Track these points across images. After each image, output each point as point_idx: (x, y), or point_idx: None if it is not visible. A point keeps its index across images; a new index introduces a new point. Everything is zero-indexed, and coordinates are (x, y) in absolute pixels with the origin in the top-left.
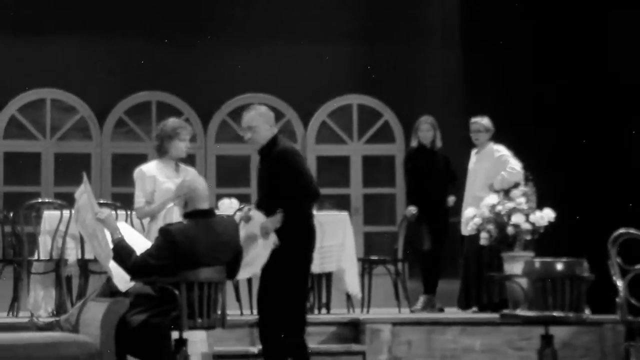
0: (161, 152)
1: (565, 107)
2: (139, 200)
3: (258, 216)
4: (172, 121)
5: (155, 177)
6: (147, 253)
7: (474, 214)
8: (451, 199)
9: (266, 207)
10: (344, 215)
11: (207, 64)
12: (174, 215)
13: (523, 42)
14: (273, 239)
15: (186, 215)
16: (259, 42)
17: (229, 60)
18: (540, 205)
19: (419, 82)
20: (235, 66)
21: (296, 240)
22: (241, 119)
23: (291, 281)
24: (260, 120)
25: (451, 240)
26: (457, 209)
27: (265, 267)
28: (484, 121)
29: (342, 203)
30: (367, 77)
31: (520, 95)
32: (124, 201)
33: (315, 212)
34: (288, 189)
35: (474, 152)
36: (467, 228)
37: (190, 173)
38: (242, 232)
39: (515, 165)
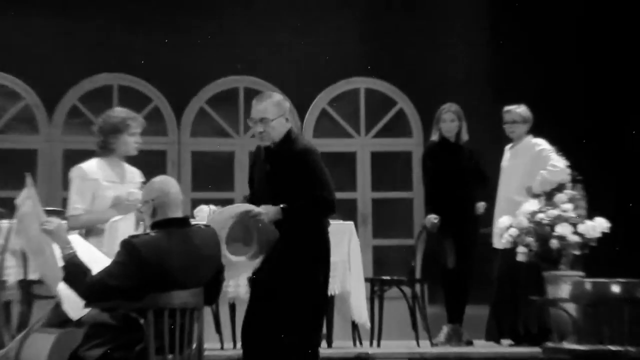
0: (106, 149)
1: (618, 97)
2: (76, 206)
3: (228, 210)
4: (118, 111)
5: (99, 181)
6: (106, 272)
7: (509, 223)
8: (481, 205)
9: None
10: (348, 225)
11: (180, 41)
12: (120, 231)
13: (562, 16)
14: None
15: (155, 225)
16: (244, 15)
17: (208, 37)
18: (590, 214)
19: (441, 63)
20: (216, 43)
21: (312, 256)
22: (253, 106)
23: (306, 307)
24: (276, 111)
25: (481, 256)
26: (489, 217)
27: (265, 288)
28: (520, 109)
29: (346, 210)
30: (378, 56)
31: (561, 78)
32: None
33: None
34: (307, 197)
35: (508, 147)
36: (500, 241)
37: (136, 176)
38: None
39: (558, 163)
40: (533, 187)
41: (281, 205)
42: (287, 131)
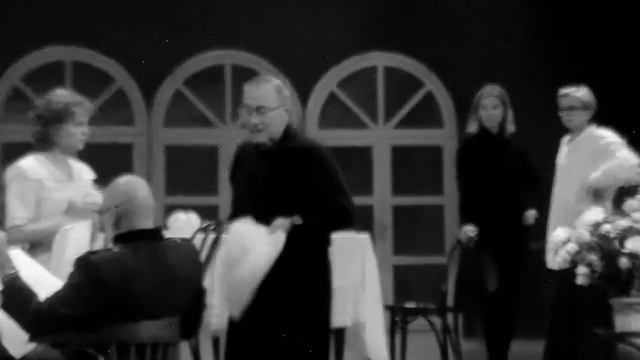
0: (45, 142)
1: None
2: (17, 214)
3: (241, 227)
4: (60, 95)
5: (42, 180)
6: (56, 297)
7: (565, 237)
8: (531, 214)
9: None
10: (363, 238)
11: (152, 7)
12: (71, 243)
13: None
14: (279, 244)
15: (119, 238)
16: None
17: (186, 2)
18: None
19: (480, 35)
20: (196, 10)
21: (312, 282)
22: (247, 92)
23: (312, 340)
24: (276, 99)
25: (531, 278)
26: (541, 228)
27: (259, 316)
28: (579, 93)
29: (360, 219)
30: (400, 26)
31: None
32: None
33: None
34: (322, 207)
35: (565, 140)
36: (555, 259)
37: (83, 173)
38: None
39: (628, 157)
40: (590, 180)
41: (294, 220)
42: (286, 126)
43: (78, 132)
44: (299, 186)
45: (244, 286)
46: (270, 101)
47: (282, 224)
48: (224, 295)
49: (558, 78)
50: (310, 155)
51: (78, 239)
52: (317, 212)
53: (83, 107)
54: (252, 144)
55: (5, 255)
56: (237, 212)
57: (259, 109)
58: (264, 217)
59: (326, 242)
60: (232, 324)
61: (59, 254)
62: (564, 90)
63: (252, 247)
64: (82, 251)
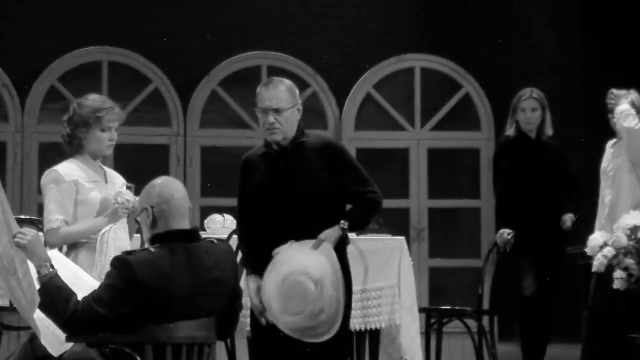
0: (73, 145)
1: None
2: (53, 217)
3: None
4: (91, 99)
5: (78, 181)
6: (94, 297)
7: (603, 241)
8: (568, 218)
9: (309, 225)
10: (398, 241)
11: (188, 10)
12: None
13: None
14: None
15: (155, 238)
16: None
17: (222, 4)
18: None
19: (519, 36)
20: (232, 11)
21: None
22: (263, 94)
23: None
24: (290, 99)
25: (569, 282)
26: (580, 233)
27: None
28: (631, 96)
29: (396, 222)
30: (438, 27)
31: None
32: None
33: (354, 235)
34: (359, 200)
35: (610, 144)
36: (594, 263)
37: (116, 179)
38: None
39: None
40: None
41: (341, 224)
42: (298, 125)
43: (105, 138)
44: (320, 179)
45: (336, 302)
46: (285, 102)
47: (329, 235)
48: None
49: (601, 82)
50: (330, 150)
51: (116, 240)
52: (356, 209)
53: (112, 112)
54: (257, 155)
55: (44, 254)
56: (253, 225)
57: (276, 110)
58: (289, 220)
59: (345, 242)
60: (256, 326)
61: (100, 256)
62: (613, 92)
63: (315, 274)
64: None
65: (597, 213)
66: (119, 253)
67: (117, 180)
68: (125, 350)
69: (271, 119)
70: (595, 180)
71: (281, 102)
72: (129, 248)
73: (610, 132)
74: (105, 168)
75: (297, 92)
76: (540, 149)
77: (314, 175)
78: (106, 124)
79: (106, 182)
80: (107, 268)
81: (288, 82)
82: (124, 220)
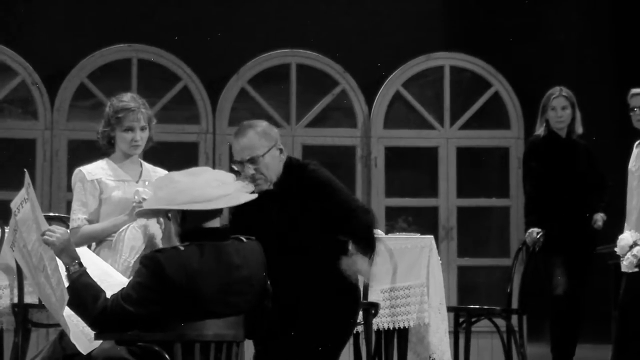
0: (104, 143)
1: None
2: (76, 217)
3: None
4: (118, 99)
5: (102, 180)
6: (123, 295)
7: (632, 240)
8: (599, 217)
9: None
10: (427, 239)
11: (218, 8)
12: (157, 238)
13: None
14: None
15: (185, 236)
16: None
17: (252, 2)
18: None
19: (548, 34)
20: (261, 10)
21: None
22: (234, 147)
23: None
24: (264, 143)
25: (599, 281)
26: (610, 232)
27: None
28: None
29: (425, 221)
30: (468, 25)
31: None
32: None
33: (383, 233)
34: (352, 224)
35: (637, 144)
36: (624, 262)
37: (153, 178)
38: None
39: None
40: None
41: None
42: (284, 164)
43: (128, 138)
44: (311, 220)
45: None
46: (259, 148)
47: (366, 265)
48: None
49: (631, 80)
50: (315, 191)
51: (131, 239)
52: (355, 235)
53: (134, 113)
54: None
55: (73, 252)
56: None
57: (251, 160)
58: (304, 248)
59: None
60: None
61: (115, 255)
62: (635, 90)
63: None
64: (135, 252)
65: (626, 212)
66: (132, 252)
67: (155, 177)
68: (154, 347)
69: (249, 171)
70: (626, 180)
71: (255, 150)
72: (143, 248)
73: (634, 132)
74: (146, 165)
75: (273, 130)
76: (570, 148)
77: (305, 220)
78: (127, 125)
79: (138, 180)
80: (121, 266)
81: (259, 124)
82: (142, 219)
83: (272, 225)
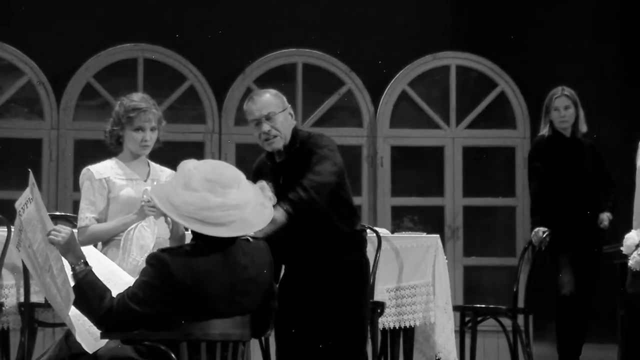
0: (112, 142)
1: None
2: (83, 216)
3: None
4: (129, 99)
5: (110, 179)
6: (129, 294)
7: (639, 239)
8: (605, 217)
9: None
10: (433, 239)
11: (224, 7)
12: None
13: None
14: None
15: (192, 235)
16: None
17: (258, 2)
18: None
19: (554, 33)
20: (267, 9)
21: (356, 280)
22: (250, 107)
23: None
24: (279, 103)
25: (605, 281)
26: (617, 231)
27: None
28: None
29: (431, 220)
30: (474, 25)
31: None
32: None
33: (389, 233)
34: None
35: None
36: (629, 262)
37: (161, 178)
38: None
39: None
40: None
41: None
42: (294, 130)
43: (138, 138)
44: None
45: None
46: (275, 106)
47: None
48: None
49: (633, 79)
50: (311, 154)
51: (140, 238)
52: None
53: (145, 113)
54: (265, 160)
55: (78, 252)
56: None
57: (267, 117)
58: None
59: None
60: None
61: (124, 254)
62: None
63: None
64: (144, 251)
65: (633, 211)
66: (142, 251)
67: (163, 177)
68: (160, 347)
69: (266, 127)
70: (633, 178)
71: (271, 107)
72: (151, 247)
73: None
74: (154, 165)
75: (284, 97)
76: (575, 147)
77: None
78: (138, 125)
79: (146, 179)
80: (129, 266)
81: (272, 90)
82: (151, 218)
83: (279, 193)
